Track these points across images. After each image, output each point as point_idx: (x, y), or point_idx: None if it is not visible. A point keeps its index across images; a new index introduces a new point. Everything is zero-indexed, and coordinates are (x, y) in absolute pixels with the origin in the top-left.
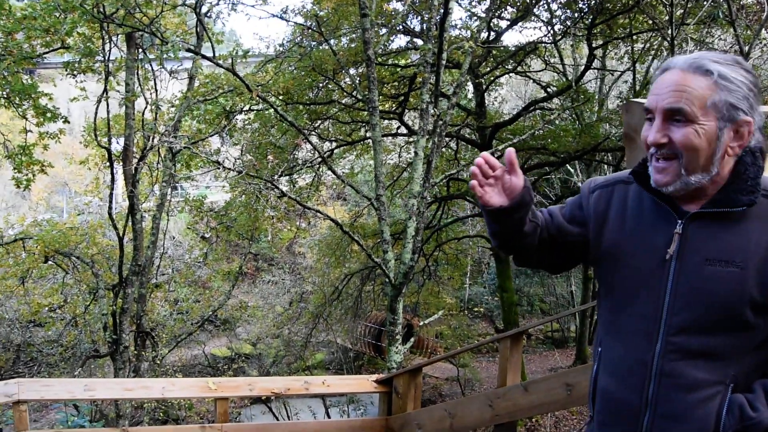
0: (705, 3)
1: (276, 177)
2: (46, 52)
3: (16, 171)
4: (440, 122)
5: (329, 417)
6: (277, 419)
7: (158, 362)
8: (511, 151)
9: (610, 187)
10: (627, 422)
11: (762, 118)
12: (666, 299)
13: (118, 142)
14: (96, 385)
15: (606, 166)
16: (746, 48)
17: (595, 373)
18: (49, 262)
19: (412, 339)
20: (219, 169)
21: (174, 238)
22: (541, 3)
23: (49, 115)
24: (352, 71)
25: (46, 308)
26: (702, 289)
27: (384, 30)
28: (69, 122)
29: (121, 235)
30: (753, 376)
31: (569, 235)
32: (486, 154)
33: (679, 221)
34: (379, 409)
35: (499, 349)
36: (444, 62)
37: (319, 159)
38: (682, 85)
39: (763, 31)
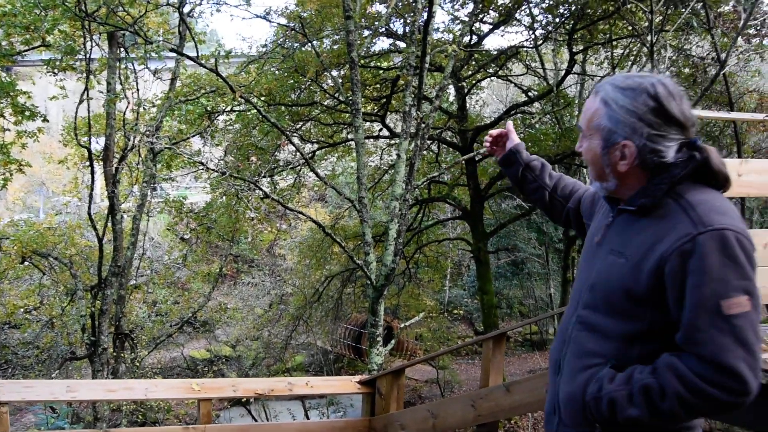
0: (683, 10)
1: (258, 178)
2: (27, 50)
3: None
4: (423, 125)
5: (308, 419)
6: (256, 422)
7: (137, 364)
8: (509, 124)
9: None
10: (552, 377)
11: (645, 139)
12: (585, 279)
13: (98, 142)
14: (78, 387)
15: (585, 170)
16: (723, 55)
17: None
18: (26, 263)
19: (393, 341)
20: (203, 169)
21: (153, 239)
22: (523, 8)
23: (27, 113)
24: (334, 73)
25: (22, 310)
26: (602, 274)
27: (367, 32)
28: (48, 121)
29: (100, 235)
30: (636, 363)
31: (575, 212)
32: (493, 131)
33: (611, 215)
34: (362, 409)
35: (482, 350)
36: (427, 65)
37: (301, 161)
38: (587, 105)
39: (740, 38)
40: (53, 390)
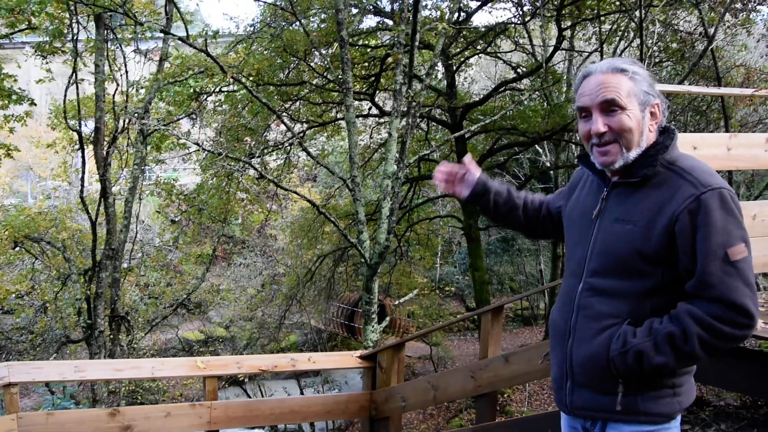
0: None
1: (253, 158)
2: (12, 33)
3: None
4: (414, 103)
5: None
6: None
7: (134, 347)
8: (468, 157)
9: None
10: (560, 344)
11: (663, 100)
12: (589, 249)
13: (86, 125)
14: (86, 367)
15: (574, 146)
16: (710, 30)
17: (552, 310)
18: (17, 248)
19: (387, 318)
20: (199, 150)
21: (143, 222)
22: None
23: (14, 97)
24: (323, 52)
25: (13, 295)
26: (609, 242)
27: (355, 10)
28: (36, 104)
29: (93, 218)
30: (650, 317)
31: (550, 216)
32: (442, 166)
33: (605, 189)
34: (363, 383)
35: (481, 323)
36: (417, 43)
37: (291, 140)
38: (608, 83)
39: (727, 14)
40: (62, 370)
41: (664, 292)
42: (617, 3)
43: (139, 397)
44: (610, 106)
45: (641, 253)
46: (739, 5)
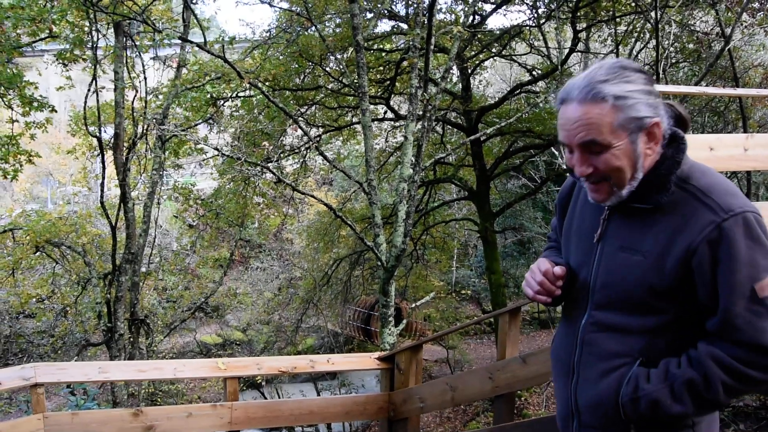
0: None
1: (270, 163)
2: (34, 41)
3: (2, 161)
4: (430, 107)
5: None
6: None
7: (153, 349)
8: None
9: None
10: (564, 381)
11: (664, 110)
12: (592, 277)
13: (105, 131)
14: (110, 368)
15: None
16: (727, 30)
17: (554, 336)
18: (38, 253)
19: (404, 321)
20: (216, 155)
21: (161, 226)
22: None
23: (36, 104)
24: (338, 56)
25: (34, 299)
26: (615, 273)
27: (369, 15)
28: (56, 111)
29: (113, 223)
30: (666, 356)
31: None
32: (551, 273)
33: (606, 209)
34: (381, 384)
35: (499, 324)
36: (432, 47)
37: (307, 145)
38: (585, 119)
39: (744, 13)
40: (86, 371)
41: (680, 328)
42: (632, 4)
43: (159, 400)
44: (591, 147)
45: (652, 288)
46: (756, 5)
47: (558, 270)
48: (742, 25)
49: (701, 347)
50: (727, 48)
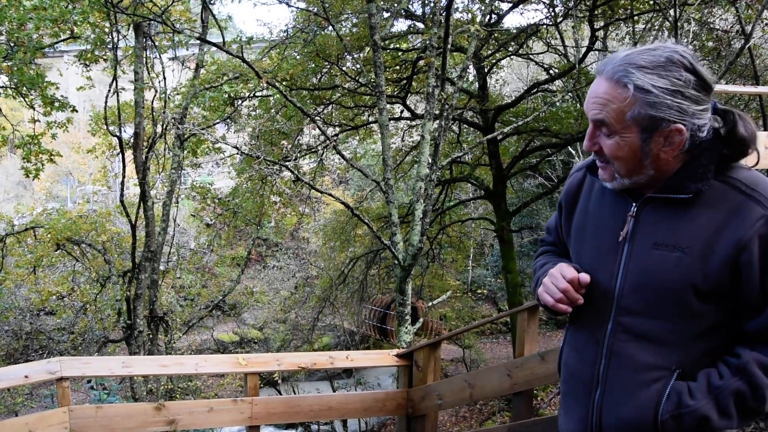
0: None
1: (289, 162)
2: (56, 42)
3: (25, 160)
4: (447, 106)
5: None
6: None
7: (172, 346)
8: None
9: (583, 170)
10: (582, 395)
11: (703, 119)
12: (618, 280)
13: (125, 131)
14: (133, 362)
15: None
16: (748, 28)
17: (562, 345)
18: (59, 251)
19: (420, 320)
20: (234, 154)
21: (179, 225)
22: None
23: (57, 104)
24: (355, 56)
25: (54, 296)
26: (650, 273)
27: (386, 14)
28: (77, 111)
29: (133, 222)
30: (701, 364)
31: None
32: (576, 280)
33: (634, 204)
34: (399, 381)
35: (517, 322)
36: (449, 46)
37: (325, 144)
38: (603, 98)
39: (765, 10)
40: (110, 365)
41: (718, 332)
42: (651, 2)
43: (177, 397)
44: (600, 126)
45: (696, 288)
46: None
47: (584, 277)
48: (762, 22)
49: (744, 354)
50: (747, 46)
